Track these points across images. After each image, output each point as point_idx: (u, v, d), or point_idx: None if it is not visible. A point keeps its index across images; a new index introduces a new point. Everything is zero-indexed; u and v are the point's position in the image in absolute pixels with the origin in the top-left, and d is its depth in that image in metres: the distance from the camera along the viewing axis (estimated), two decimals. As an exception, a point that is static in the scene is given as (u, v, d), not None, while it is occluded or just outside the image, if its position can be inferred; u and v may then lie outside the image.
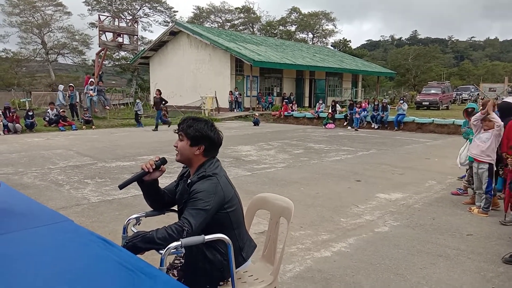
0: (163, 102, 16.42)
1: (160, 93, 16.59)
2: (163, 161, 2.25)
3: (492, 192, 5.08)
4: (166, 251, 1.85)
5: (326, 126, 17.99)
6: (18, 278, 1.50)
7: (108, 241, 1.88)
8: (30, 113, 15.65)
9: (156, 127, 16.04)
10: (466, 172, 6.00)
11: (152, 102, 20.70)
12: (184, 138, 2.18)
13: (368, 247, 4.03)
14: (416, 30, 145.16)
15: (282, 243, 2.42)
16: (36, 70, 41.43)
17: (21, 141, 12.39)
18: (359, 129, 17.11)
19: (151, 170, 2.20)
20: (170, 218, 2.51)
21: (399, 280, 3.30)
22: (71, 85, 19.20)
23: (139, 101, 19.30)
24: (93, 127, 16.87)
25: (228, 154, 9.82)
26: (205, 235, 1.98)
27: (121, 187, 2.20)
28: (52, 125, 16.39)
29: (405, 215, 5.12)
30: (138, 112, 18.22)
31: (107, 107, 20.34)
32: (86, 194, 6.05)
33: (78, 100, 18.67)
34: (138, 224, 2.32)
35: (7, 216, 2.18)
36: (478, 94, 33.00)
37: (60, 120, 16.41)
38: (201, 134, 2.16)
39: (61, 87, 19.26)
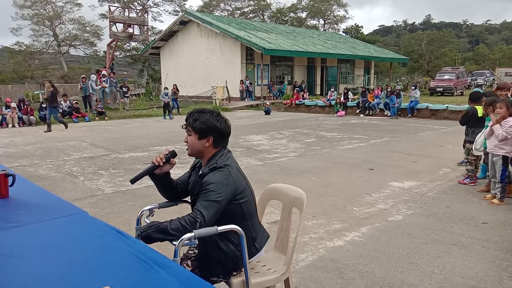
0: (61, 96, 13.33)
1: (53, 86, 12.96)
2: (173, 154, 2.26)
3: (506, 180, 5.01)
4: (179, 242, 1.86)
5: (337, 114, 17.87)
6: (35, 269, 1.53)
7: (122, 233, 1.90)
8: (44, 105, 15.85)
9: (49, 126, 12.88)
10: (467, 156, 5.97)
11: (163, 92, 20.04)
12: (192, 133, 2.18)
13: (381, 236, 4.01)
14: (429, 14, 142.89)
15: (295, 232, 2.42)
16: (49, 62, 41.81)
17: (35, 133, 12.59)
18: (370, 116, 16.94)
19: (161, 164, 2.22)
20: (183, 209, 2.52)
21: (412, 269, 3.28)
22: (84, 77, 19.34)
23: (167, 91, 17.82)
24: (106, 118, 17.03)
25: (239, 144, 9.83)
26: (218, 226, 1.99)
27: (133, 181, 2.23)
28: (65, 117, 16.59)
29: (418, 203, 5.08)
30: (170, 103, 17.38)
31: (122, 99, 20.24)
32: (100, 185, 6.13)
33: (91, 91, 18.72)
34: (152, 216, 2.35)
35: (23, 209, 2.23)
36: (493, 79, 32.30)
37: (73, 112, 16.59)
38: (207, 126, 2.15)
39: (93, 77, 18.73)
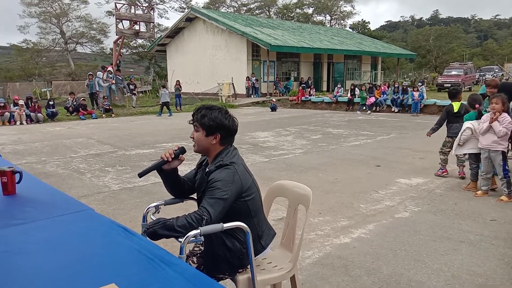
0: None
1: None
2: (182, 151, 2.25)
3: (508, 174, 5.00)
4: (185, 239, 1.86)
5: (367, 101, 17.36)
6: (41, 265, 1.53)
7: (128, 230, 1.90)
8: (51, 103, 15.97)
9: None
10: (443, 147, 6.17)
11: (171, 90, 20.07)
12: (200, 129, 2.16)
13: (388, 233, 3.99)
14: (437, 10, 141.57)
15: (301, 229, 2.41)
16: (56, 59, 42.08)
17: (43, 130, 12.68)
18: (376, 112, 16.84)
19: (170, 160, 2.20)
20: (189, 206, 2.52)
21: (420, 267, 3.26)
22: (91, 74, 19.41)
23: (165, 90, 17.91)
24: (113, 115, 17.10)
25: (245, 141, 9.82)
26: (224, 223, 1.98)
27: (141, 175, 2.22)
28: (72, 114, 16.70)
29: (426, 200, 5.04)
30: (165, 101, 17.39)
31: (128, 94, 20.23)
32: (107, 182, 6.15)
33: (98, 88, 18.75)
34: (158, 212, 2.34)
35: (30, 206, 2.23)
36: (502, 74, 31.95)
37: (80, 109, 16.68)
38: (216, 123, 2.13)
39: (100, 74, 18.72)
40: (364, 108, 17.42)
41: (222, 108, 2.22)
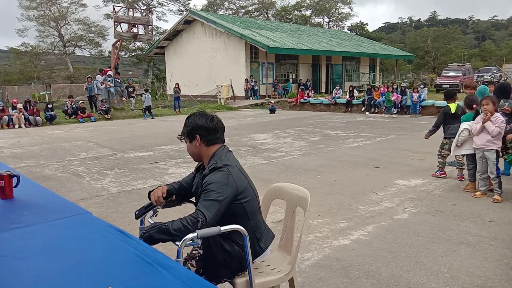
0: None
1: None
2: (171, 194, 2.33)
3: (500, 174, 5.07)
4: (182, 243, 1.85)
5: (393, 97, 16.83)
6: (38, 270, 1.53)
7: (125, 233, 1.90)
8: (50, 106, 15.95)
9: None
10: (441, 150, 6.21)
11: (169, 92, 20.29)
12: (186, 139, 2.25)
13: (387, 234, 3.98)
14: (435, 11, 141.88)
15: (299, 232, 2.41)
16: (55, 63, 42.03)
17: (42, 134, 12.67)
18: (375, 113, 16.84)
19: (161, 205, 2.29)
20: (187, 209, 2.52)
21: (419, 268, 3.25)
22: (89, 77, 19.40)
23: (147, 94, 18.36)
24: (108, 115, 17.15)
25: (244, 143, 9.82)
26: (221, 226, 1.98)
27: (137, 217, 2.31)
28: (71, 117, 16.68)
29: (425, 201, 5.04)
30: (148, 105, 17.81)
31: (125, 98, 20.30)
32: (105, 185, 6.14)
33: (96, 91, 18.74)
34: (155, 216, 2.34)
35: (27, 210, 2.23)
36: (500, 75, 31.99)
37: (79, 112, 16.66)
38: (191, 126, 2.20)
39: (98, 77, 18.86)
40: (388, 110, 17.05)
41: (197, 112, 2.27)
